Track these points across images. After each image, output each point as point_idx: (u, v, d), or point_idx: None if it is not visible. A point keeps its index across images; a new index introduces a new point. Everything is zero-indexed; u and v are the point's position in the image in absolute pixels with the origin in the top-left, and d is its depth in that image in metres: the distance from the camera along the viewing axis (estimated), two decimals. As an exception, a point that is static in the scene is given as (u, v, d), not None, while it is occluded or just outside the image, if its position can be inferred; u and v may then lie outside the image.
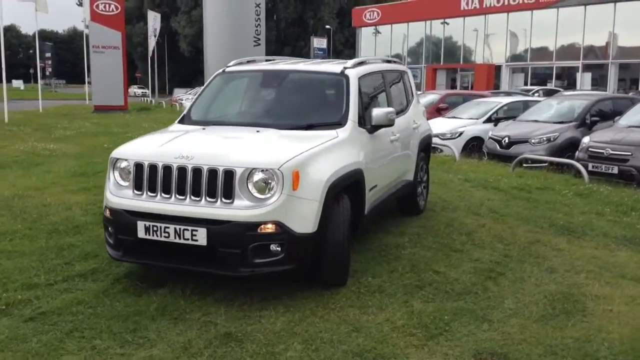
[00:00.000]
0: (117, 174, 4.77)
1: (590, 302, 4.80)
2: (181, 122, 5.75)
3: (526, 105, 15.56)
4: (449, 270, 5.38)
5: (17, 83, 66.72)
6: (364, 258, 5.59)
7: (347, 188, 4.96)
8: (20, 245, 5.74)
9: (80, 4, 73.94)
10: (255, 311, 4.36)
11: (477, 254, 5.88)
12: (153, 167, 4.54)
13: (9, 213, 6.90)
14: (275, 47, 73.22)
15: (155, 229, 4.43)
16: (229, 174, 4.35)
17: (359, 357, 3.73)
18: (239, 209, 4.31)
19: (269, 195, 4.34)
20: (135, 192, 4.61)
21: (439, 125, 15.63)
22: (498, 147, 13.23)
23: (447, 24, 42.15)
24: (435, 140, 14.78)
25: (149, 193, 4.55)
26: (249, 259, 4.31)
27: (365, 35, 48.76)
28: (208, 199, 4.38)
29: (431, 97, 18.81)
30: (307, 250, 4.47)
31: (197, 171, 4.40)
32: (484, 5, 39.02)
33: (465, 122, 15.25)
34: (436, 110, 17.30)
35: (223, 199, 4.36)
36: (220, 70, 6.30)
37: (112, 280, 4.90)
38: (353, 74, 5.65)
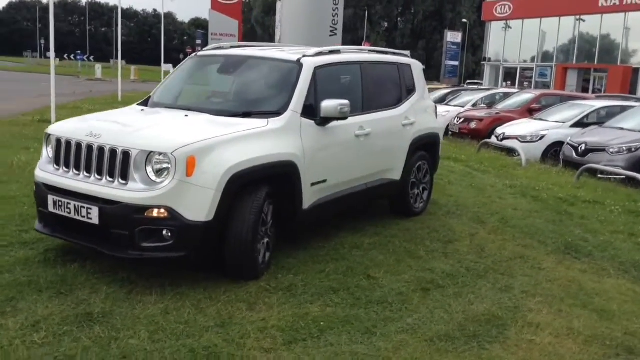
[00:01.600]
0: (48, 148, 4.94)
1: (515, 329, 4.28)
2: (143, 102, 5.83)
3: (624, 111, 14.14)
4: (385, 277, 5.03)
5: (167, 67, 71.50)
6: (306, 255, 5.37)
7: (268, 179, 4.78)
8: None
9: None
10: (142, 295, 4.32)
11: (435, 264, 5.44)
12: (68, 144, 4.65)
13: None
14: (411, 40, 72.34)
15: (60, 204, 4.54)
16: (127, 155, 4.34)
17: (192, 353, 3.58)
18: (131, 191, 4.30)
19: (163, 179, 4.28)
20: (55, 166, 4.75)
21: (522, 127, 14.71)
22: (574, 154, 12.16)
23: (583, 20, 39.19)
24: (513, 143, 13.97)
25: (64, 168, 4.67)
26: (137, 242, 4.29)
27: (494, 30, 46.64)
28: (108, 178, 4.41)
29: (525, 96, 17.66)
30: (201, 239, 4.36)
31: (101, 150, 4.45)
32: (625, 2, 35.82)
33: (550, 125, 14.18)
34: (528, 111, 16.25)
35: (120, 180, 4.37)
36: (193, 55, 6.30)
37: (43, 250, 5.08)
38: (309, 63, 5.40)
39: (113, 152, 4.39)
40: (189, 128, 4.75)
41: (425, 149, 7.02)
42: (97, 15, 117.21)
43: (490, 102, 19.22)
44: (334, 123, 5.43)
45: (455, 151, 13.02)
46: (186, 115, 5.04)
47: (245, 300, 4.37)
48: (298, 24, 14.39)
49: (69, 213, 4.49)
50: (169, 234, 4.29)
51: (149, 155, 4.32)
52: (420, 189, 7.04)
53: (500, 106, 17.62)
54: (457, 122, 16.93)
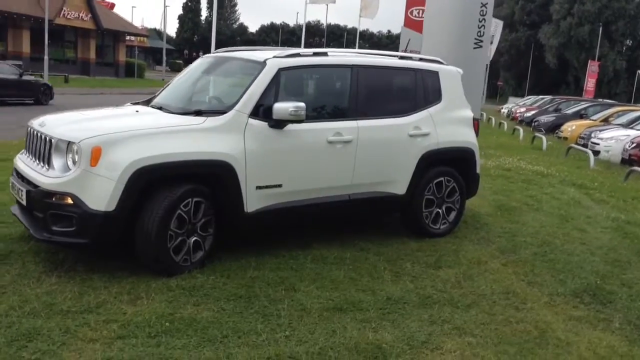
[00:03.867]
0: None
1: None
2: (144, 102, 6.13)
3: None
4: (309, 291, 4.67)
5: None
6: (258, 260, 5.21)
7: (192, 177, 4.76)
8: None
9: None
10: (39, 274, 4.59)
11: (388, 287, 4.91)
12: (30, 131, 5.14)
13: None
14: None
15: (12, 185, 5.03)
16: (51, 144, 4.67)
17: (25, 336, 3.68)
18: (47, 177, 4.60)
19: (74, 168, 4.52)
20: (24, 151, 5.27)
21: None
22: None
23: None
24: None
25: (26, 154, 5.16)
26: (49, 225, 4.57)
27: None
28: (42, 164, 4.78)
29: None
30: (102, 228, 4.48)
31: (42, 138, 4.84)
32: None
33: None
34: None
35: (46, 166, 4.70)
36: (200, 58, 6.45)
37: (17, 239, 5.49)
38: (273, 64, 5.24)
39: (47, 140, 4.75)
40: (114, 122, 4.94)
41: (449, 163, 6.33)
42: (336, 36, 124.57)
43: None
44: (298, 126, 5.20)
45: (592, 177, 11.42)
46: (137, 111, 5.24)
47: (132, 293, 4.40)
48: (440, 31, 13.87)
49: (16, 194, 4.95)
50: (73, 220, 4.50)
51: (68, 145, 4.58)
52: (443, 208, 6.35)
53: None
54: (629, 147, 14.78)
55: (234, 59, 5.79)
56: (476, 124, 6.69)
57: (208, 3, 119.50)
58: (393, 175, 5.93)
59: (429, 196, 6.21)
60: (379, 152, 5.78)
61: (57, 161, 4.62)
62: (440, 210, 6.33)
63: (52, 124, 4.93)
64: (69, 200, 4.47)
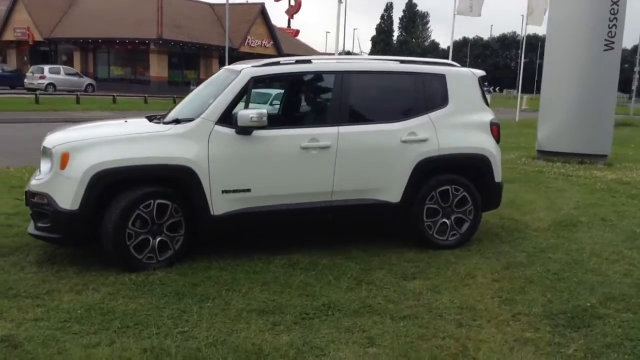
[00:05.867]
0: None
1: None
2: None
3: None
4: (249, 294, 4.74)
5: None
6: (231, 263, 5.38)
7: (155, 180, 5.11)
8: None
9: None
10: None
11: (337, 295, 4.77)
12: None
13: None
14: None
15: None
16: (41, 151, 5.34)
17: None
18: (34, 180, 5.25)
19: (49, 171, 5.12)
20: None
21: None
22: None
23: None
24: None
25: None
26: (35, 221, 5.21)
27: None
28: (38, 169, 5.45)
29: None
30: (69, 225, 4.99)
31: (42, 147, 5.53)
32: None
33: None
34: None
35: (39, 170, 5.36)
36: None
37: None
38: (245, 73, 5.41)
39: (44, 148, 5.43)
40: (91, 131, 5.46)
41: (457, 171, 5.94)
42: (533, 47, 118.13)
43: None
44: (268, 133, 5.33)
45: None
46: (125, 121, 5.73)
47: (85, 285, 4.82)
48: (565, 38, 12.83)
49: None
50: (49, 217, 5.08)
51: (48, 151, 5.19)
52: (452, 219, 5.97)
53: None
54: None
55: (227, 70, 6.05)
56: (495, 128, 6.18)
57: (400, 23, 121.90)
58: (383, 182, 5.74)
59: (432, 205, 5.89)
60: (363, 158, 5.64)
61: (43, 166, 5.26)
62: (447, 221, 5.96)
63: (51, 135, 5.60)
64: (45, 200, 5.06)
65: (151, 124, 5.59)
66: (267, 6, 45.06)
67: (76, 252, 5.56)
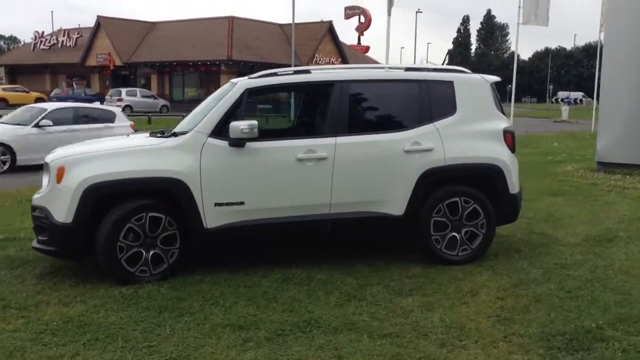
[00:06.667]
0: None
1: None
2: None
3: None
4: (233, 308, 4.64)
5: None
6: (221, 277, 5.30)
7: (147, 193, 5.11)
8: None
9: None
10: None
11: (324, 311, 4.59)
12: None
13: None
14: None
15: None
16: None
17: None
18: (37, 194, 5.38)
19: (48, 185, 5.23)
20: None
21: None
22: None
23: None
24: None
25: None
26: (37, 234, 5.33)
27: None
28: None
29: None
30: (64, 238, 5.06)
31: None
32: None
33: None
34: None
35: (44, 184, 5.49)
36: None
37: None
38: (241, 85, 5.36)
39: (45, 163, 5.56)
40: (90, 146, 5.52)
41: (467, 182, 5.62)
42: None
43: None
44: (262, 144, 5.26)
45: None
46: (127, 135, 5.78)
47: (75, 297, 4.86)
48: (624, 44, 12.10)
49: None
50: (47, 230, 5.18)
51: (47, 166, 5.31)
52: (462, 233, 5.65)
53: None
54: None
55: (229, 82, 5.99)
56: (509, 137, 5.81)
57: (478, 36, 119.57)
58: (385, 194, 5.50)
59: (439, 218, 5.60)
60: (363, 169, 5.44)
61: (44, 180, 5.38)
62: (457, 235, 5.64)
63: (55, 151, 5.74)
64: (43, 214, 5.17)
65: (149, 137, 5.62)
66: (339, 24, 45.40)
67: (80, 265, 5.63)
